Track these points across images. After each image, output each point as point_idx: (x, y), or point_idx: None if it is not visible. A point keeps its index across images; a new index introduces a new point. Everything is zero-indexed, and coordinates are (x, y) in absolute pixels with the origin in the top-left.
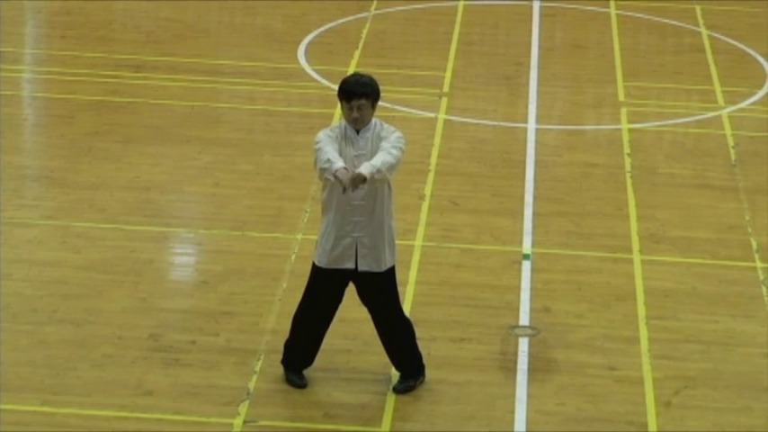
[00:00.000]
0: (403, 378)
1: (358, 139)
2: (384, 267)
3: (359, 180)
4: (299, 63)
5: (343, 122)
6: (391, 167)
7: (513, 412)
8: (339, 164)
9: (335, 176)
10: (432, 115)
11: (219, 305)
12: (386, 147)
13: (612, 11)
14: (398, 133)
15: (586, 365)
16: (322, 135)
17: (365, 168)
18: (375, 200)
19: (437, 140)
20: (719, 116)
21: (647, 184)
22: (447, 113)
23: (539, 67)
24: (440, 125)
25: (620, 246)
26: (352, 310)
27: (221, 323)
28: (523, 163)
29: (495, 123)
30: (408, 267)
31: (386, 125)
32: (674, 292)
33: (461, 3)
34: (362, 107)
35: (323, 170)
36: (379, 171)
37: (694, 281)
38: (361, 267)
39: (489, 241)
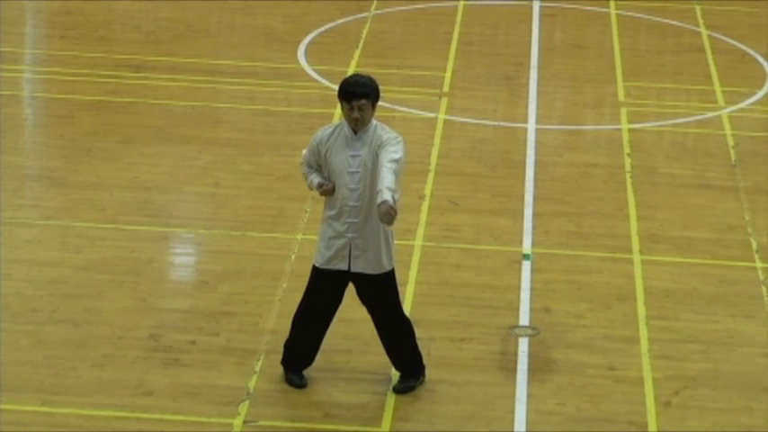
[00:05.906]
0: (403, 378)
1: (355, 140)
2: (380, 270)
3: (394, 213)
4: (299, 63)
5: (343, 122)
6: (398, 180)
7: (513, 412)
8: (316, 180)
9: (320, 191)
10: (432, 115)
11: (219, 305)
12: (384, 161)
13: (612, 11)
14: (397, 139)
15: (586, 365)
16: (306, 153)
17: (387, 195)
18: (370, 202)
19: (437, 140)
20: (719, 116)
21: (647, 184)
22: (447, 113)
23: (539, 67)
24: (440, 125)
25: (620, 246)
26: (352, 310)
27: (221, 323)
28: (523, 163)
29: (495, 123)
30: (408, 267)
31: (386, 127)
32: (674, 292)
33: (461, 3)
34: (363, 107)
35: (311, 187)
36: (396, 191)
37: (694, 281)
38: (354, 269)
39: (489, 241)
